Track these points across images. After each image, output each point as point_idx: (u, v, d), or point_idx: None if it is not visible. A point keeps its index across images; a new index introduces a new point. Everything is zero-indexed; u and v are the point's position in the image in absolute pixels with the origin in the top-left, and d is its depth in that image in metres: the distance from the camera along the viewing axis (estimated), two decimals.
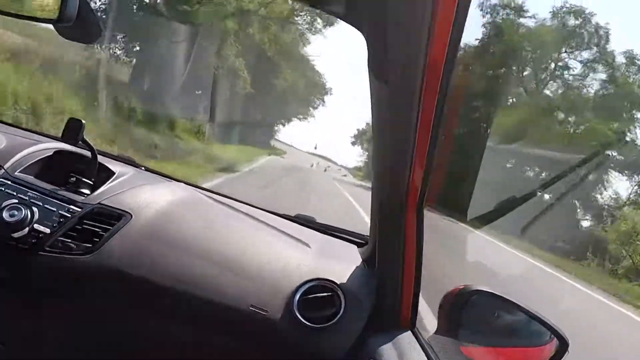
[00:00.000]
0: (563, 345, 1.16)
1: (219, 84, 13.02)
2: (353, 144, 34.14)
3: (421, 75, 0.81)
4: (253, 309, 1.18)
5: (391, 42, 0.79)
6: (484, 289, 1.23)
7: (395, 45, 0.79)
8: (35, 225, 1.24)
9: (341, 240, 1.52)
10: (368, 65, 0.88)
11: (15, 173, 1.34)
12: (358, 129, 33.49)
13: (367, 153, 30.65)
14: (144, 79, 12.20)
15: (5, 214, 1.23)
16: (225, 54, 13.11)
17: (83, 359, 1.36)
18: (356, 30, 0.89)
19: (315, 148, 35.89)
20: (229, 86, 13.91)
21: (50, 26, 1.11)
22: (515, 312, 1.23)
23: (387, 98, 0.91)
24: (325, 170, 30.84)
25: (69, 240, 1.24)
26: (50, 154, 1.44)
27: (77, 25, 1.06)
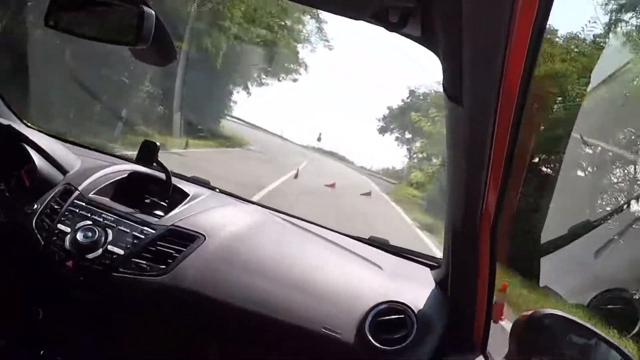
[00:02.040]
0: None
1: None
2: (382, 131, 21.66)
3: (496, 97, 0.81)
4: (326, 330, 1.20)
5: (466, 65, 0.79)
6: (557, 313, 1.21)
7: (471, 67, 0.79)
8: (109, 247, 1.28)
9: (413, 263, 1.52)
10: (443, 87, 0.88)
11: (90, 195, 1.39)
12: (390, 108, 21.69)
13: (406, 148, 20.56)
14: None
15: (79, 236, 1.27)
16: None
17: None
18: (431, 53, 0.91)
19: (319, 140, 22.85)
20: None
21: None
22: (589, 336, 1.21)
23: (461, 120, 0.91)
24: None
25: (143, 262, 1.27)
26: (125, 175, 1.49)
27: (153, 48, 1.08)
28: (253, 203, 1.65)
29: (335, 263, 1.40)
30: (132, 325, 1.36)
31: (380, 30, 0.89)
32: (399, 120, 20.93)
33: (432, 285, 1.34)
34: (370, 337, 1.18)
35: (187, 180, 1.62)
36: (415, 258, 1.54)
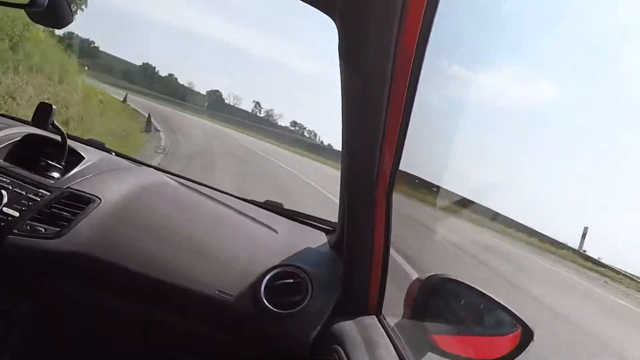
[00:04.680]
0: (528, 334, 1.18)
1: None
2: None
3: (392, 62, 0.82)
4: (220, 293, 1.18)
5: (363, 30, 0.80)
6: (451, 277, 1.24)
7: (367, 33, 0.80)
8: (4, 209, 1.23)
9: (309, 227, 1.52)
10: (339, 52, 0.88)
11: None
12: None
13: None
14: None
15: None
16: None
17: (47, 343, 1.34)
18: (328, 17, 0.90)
19: None
20: None
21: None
22: (482, 300, 1.24)
23: (358, 85, 0.91)
24: None
25: (38, 224, 1.23)
26: (20, 137, 1.43)
27: (49, 11, 1.07)
28: (149, 166, 1.61)
29: (230, 226, 1.38)
30: (26, 287, 1.31)
31: None
32: None
33: (327, 249, 1.34)
34: (264, 301, 1.17)
35: (83, 143, 1.57)
36: (310, 222, 1.54)
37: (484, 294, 1.23)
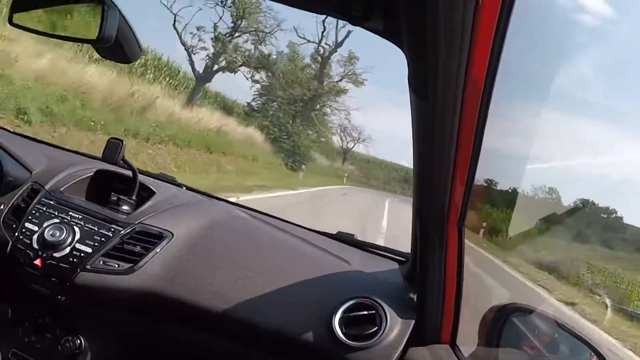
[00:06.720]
0: None
1: None
2: None
3: (462, 91, 0.81)
4: (294, 327, 1.19)
5: (431, 60, 0.78)
6: (525, 306, 1.23)
7: (435, 61, 0.78)
8: (77, 245, 1.25)
9: (381, 257, 1.52)
10: (408, 81, 0.87)
11: (57, 193, 1.36)
12: None
13: None
14: None
15: (47, 234, 1.25)
16: None
17: None
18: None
19: None
20: None
21: None
22: (556, 329, 1.23)
23: (427, 114, 0.90)
24: None
25: (110, 260, 1.25)
26: (91, 173, 1.46)
27: (117, 46, 1.08)
28: (220, 200, 1.63)
29: (304, 259, 1.38)
30: (99, 323, 1.33)
31: None
32: None
33: (400, 280, 1.33)
34: (339, 333, 1.16)
35: (154, 178, 1.60)
36: (382, 253, 1.53)
37: (559, 322, 1.22)
